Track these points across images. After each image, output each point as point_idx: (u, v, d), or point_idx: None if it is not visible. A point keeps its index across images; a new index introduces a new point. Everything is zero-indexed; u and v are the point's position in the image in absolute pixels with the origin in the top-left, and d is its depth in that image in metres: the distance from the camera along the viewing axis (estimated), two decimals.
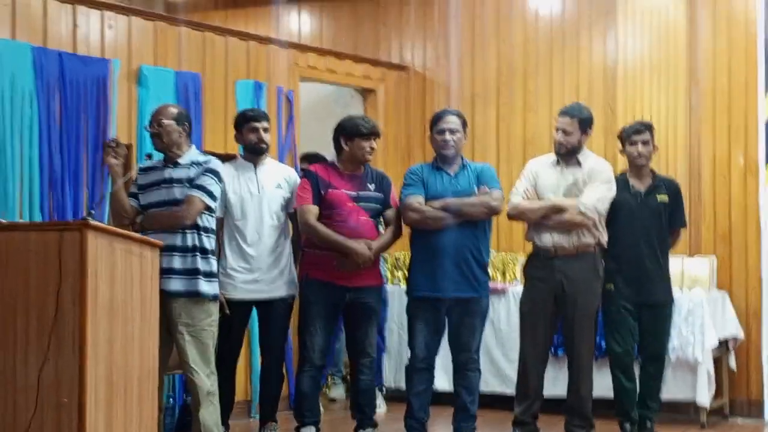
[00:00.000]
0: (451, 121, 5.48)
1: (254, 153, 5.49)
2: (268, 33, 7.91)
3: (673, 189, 5.73)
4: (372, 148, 5.46)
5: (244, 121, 5.49)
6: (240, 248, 5.38)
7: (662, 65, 7.02)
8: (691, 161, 6.94)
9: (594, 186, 5.53)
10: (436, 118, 5.54)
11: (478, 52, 7.67)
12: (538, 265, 5.63)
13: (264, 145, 5.48)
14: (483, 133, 7.59)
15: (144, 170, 5.09)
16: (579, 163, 5.60)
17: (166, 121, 4.97)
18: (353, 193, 5.41)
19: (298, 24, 8.34)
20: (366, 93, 7.83)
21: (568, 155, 5.60)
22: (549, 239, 5.54)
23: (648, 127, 5.71)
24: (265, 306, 5.48)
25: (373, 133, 5.45)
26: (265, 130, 5.49)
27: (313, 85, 7.49)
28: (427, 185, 5.45)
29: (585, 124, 5.62)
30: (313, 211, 5.35)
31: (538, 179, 5.64)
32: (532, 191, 5.61)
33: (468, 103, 7.65)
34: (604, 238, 5.59)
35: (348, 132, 5.42)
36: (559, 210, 5.49)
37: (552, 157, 5.70)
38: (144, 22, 6.05)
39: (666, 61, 7.01)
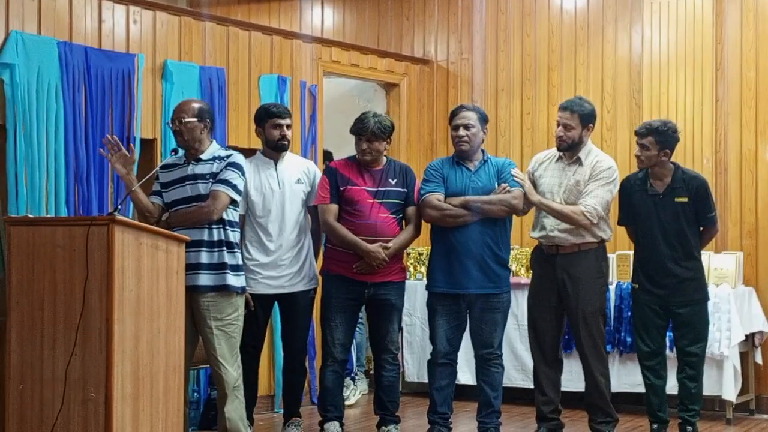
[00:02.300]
0: (466, 117, 5.44)
1: (276, 149, 5.48)
2: (291, 27, 7.92)
3: (693, 188, 5.46)
4: (366, 150, 5.36)
5: (267, 117, 5.48)
6: (262, 244, 5.39)
7: (688, 58, 6.96)
8: (717, 156, 6.87)
9: (595, 188, 5.44)
10: (452, 114, 5.52)
11: (502, 45, 7.64)
12: (540, 260, 5.60)
13: (286, 142, 5.47)
14: (507, 127, 7.57)
15: (165, 167, 5.09)
16: (581, 162, 5.51)
17: (187, 118, 4.97)
18: (373, 189, 5.39)
19: (322, 18, 8.33)
20: (389, 87, 7.81)
21: (569, 151, 5.52)
22: (551, 236, 5.48)
23: (652, 131, 5.41)
24: (287, 300, 5.49)
25: (366, 133, 5.34)
26: (288, 126, 5.48)
27: (336, 79, 7.48)
28: (447, 181, 5.42)
29: (586, 118, 5.49)
30: (332, 210, 5.35)
31: (540, 179, 5.59)
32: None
33: (492, 97, 7.64)
34: (608, 234, 5.55)
35: (351, 132, 5.44)
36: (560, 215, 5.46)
37: (555, 151, 5.65)
38: (169, 16, 6.06)
39: (692, 54, 6.95)
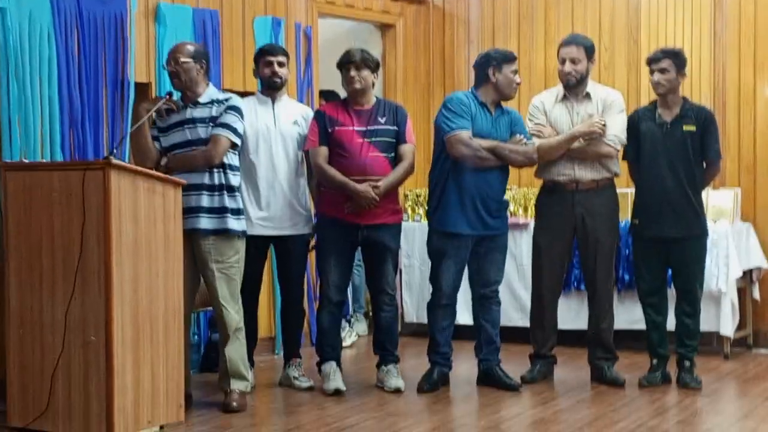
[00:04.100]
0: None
1: (269, 87, 5.45)
2: None
3: (702, 118, 5.47)
4: (354, 77, 5.32)
5: (260, 56, 5.47)
6: (254, 183, 5.36)
7: None
8: (715, 91, 6.83)
9: (614, 116, 5.48)
10: (512, 56, 5.42)
11: None
12: (556, 199, 5.59)
13: (278, 80, 5.43)
14: None
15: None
16: (590, 97, 5.53)
17: (183, 59, 4.96)
18: (362, 129, 5.34)
19: None
20: (385, 28, 7.74)
21: (577, 87, 5.53)
22: (570, 173, 5.49)
23: (668, 54, 5.46)
24: (282, 243, 5.49)
25: (353, 60, 5.32)
26: (280, 64, 5.44)
27: (331, 20, 7.41)
28: (473, 120, 5.36)
29: (590, 51, 5.56)
30: (322, 152, 5.32)
31: (549, 116, 5.58)
32: (549, 128, 5.55)
33: (488, 36, 7.57)
34: (619, 169, 5.60)
35: (337, 65, 5.42)
36: (574, 138, 5.44)
37: (555, 92, 5.64)
38: None
39: None
